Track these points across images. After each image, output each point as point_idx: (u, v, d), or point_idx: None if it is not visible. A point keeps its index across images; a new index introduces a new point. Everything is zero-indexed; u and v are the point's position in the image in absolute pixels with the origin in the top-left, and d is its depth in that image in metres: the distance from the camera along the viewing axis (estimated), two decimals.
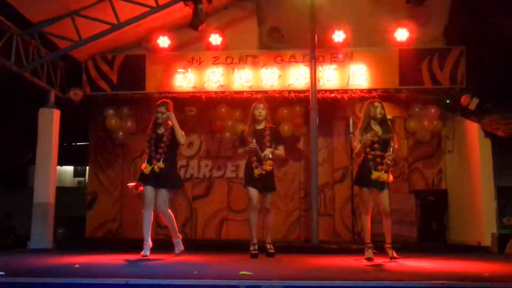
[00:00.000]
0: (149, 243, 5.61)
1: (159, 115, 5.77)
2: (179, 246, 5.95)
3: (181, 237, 6.03)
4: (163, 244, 6.16)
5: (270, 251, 5.89)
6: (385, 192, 5.38)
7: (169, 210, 5.81)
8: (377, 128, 5.47)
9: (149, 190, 5.69)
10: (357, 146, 5.57)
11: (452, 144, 8.54)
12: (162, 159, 5.66)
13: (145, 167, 5.72)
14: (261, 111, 5.97)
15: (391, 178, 5.40)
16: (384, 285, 3.52)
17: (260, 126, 6.01)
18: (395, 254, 5.38)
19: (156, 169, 5.63)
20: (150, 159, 5.73)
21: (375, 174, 5.31)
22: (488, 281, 3.56)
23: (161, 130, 5.80)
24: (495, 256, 6.57)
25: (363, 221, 5.53)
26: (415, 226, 8.30)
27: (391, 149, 5.36)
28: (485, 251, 7.11)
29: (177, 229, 5.96)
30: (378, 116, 5.49)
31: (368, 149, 5.41)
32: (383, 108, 5.55)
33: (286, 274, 4.06)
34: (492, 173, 7.33)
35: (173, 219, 5.86)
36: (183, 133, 5.81)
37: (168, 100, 6.00)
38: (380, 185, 5.34)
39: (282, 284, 3.45)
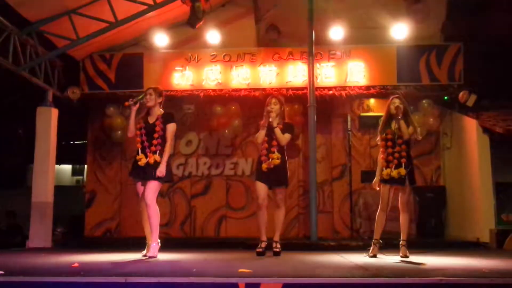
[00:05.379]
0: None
1: (148, 96, 5.36)
2: (154, 251, 5.22)
3: (159, 244, 5.32)
4: (162, 243, 6.14)
5: (275, 250, 5.63)
6: (403, 188, 5.34)
7: (156, 206, 5.25)
8: (393, 124, 5.45)
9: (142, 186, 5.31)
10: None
11: (450, 141, 8.55)
12: (158, 152, 5.23)
13: (140, 158, 5.25)
14: (272, 106, 5.60)
15: (403, 172, 5.28)
16: (383, 282, 3.51)
17: (274, 123, 5.62)
18: (407, 254, 5.26)
19: (152, 162, 5.20)
20: (144, 149, 5.27)
21: (385, 171, 5.34)
22: (487, 277, 3.56)
23: (151, 119, 5.38)
24: (494, 252, 6.60)
25: (377, 216, 5.50)
26: (414, 222, 8.30)
27: (401, 141, 5.34)
28: (483, 247, 7.13)
29: (158, 231, 5.28)
30: (392, 112, 5.41)
31: (387, 144, 5.42)
32: (401, 103, 5.38)
33: (285, 272, 4.05)
34: (490, 169, 7.35)
35: (158, 217, 5.25)
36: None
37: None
38: (398, 181, 5.32)
39: (281, 281, 3.45)
